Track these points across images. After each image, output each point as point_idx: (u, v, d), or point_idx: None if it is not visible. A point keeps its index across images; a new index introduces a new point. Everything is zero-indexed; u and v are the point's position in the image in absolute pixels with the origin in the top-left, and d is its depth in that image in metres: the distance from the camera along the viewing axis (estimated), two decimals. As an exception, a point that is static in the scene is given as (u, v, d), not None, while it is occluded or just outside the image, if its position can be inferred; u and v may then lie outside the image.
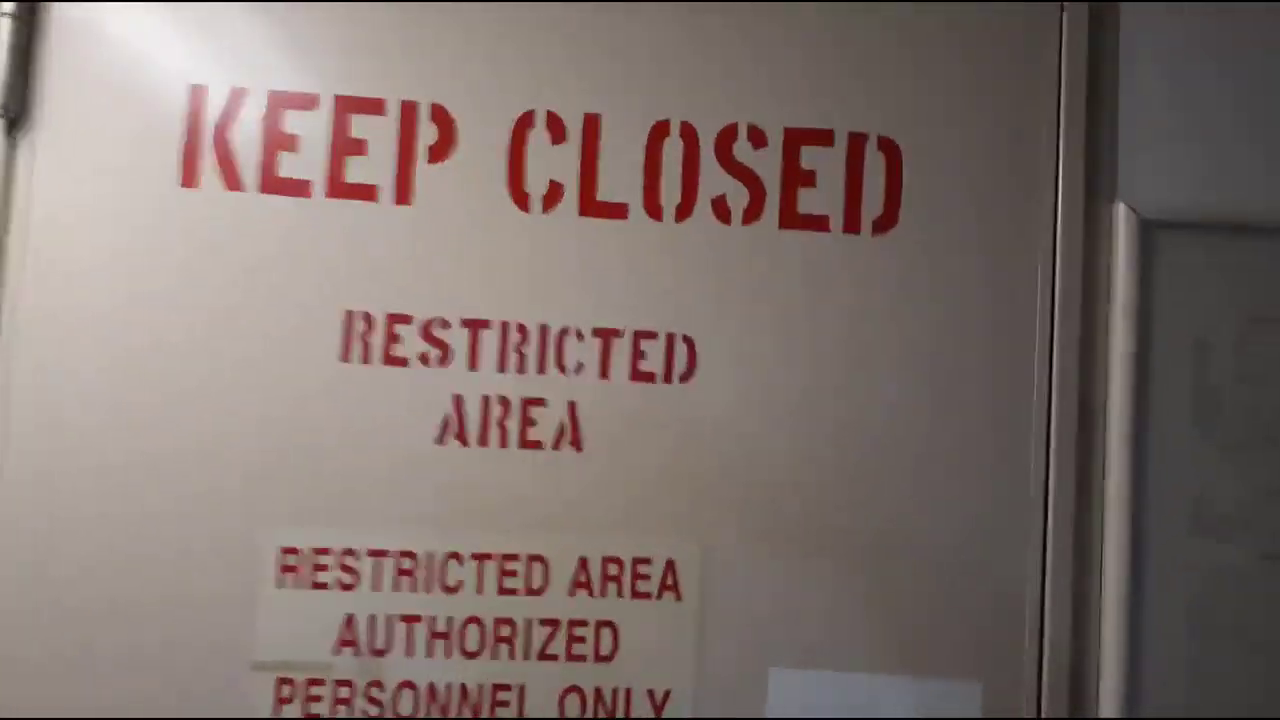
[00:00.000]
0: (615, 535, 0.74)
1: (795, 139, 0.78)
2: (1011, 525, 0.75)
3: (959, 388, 0.77)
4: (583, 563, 0.74)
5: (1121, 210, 0.78)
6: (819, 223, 0.77)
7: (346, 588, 0.73)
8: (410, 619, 0.73)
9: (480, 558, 0.74)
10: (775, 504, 0.74)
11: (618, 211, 0.77)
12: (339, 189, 0.76)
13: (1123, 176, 0.79)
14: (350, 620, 0.73)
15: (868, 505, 0.75)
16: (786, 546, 0.75)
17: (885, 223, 0.78)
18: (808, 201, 0.78)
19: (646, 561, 0.74)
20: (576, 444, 0.75)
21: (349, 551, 0.73)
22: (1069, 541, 0.75)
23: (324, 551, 0.73)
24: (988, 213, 0.78)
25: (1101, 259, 0.79)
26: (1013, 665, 0.74)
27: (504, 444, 0.75)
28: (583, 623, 0.73)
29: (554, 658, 0.73)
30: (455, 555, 0.74)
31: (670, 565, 0.74)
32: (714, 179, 0.78)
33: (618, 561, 0.74)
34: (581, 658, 0.73)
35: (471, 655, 0.73)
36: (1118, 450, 0.75)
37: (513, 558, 0.74)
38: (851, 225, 0.78)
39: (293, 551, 0.73)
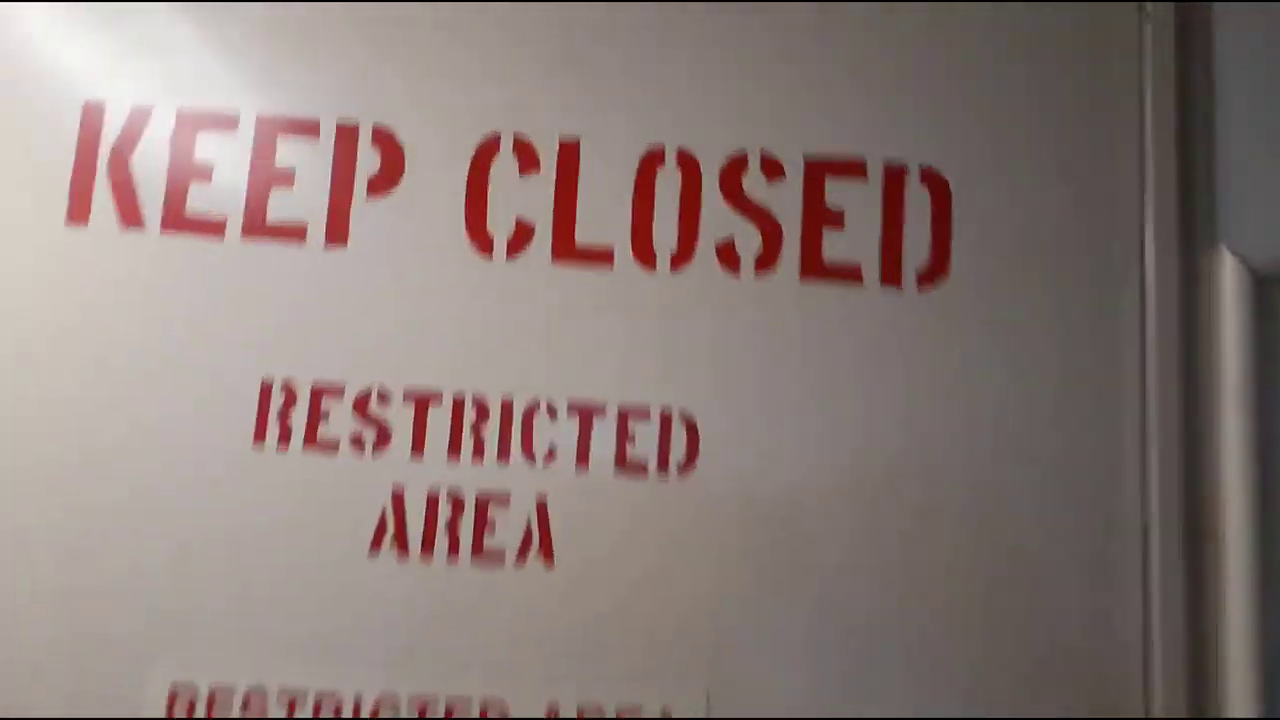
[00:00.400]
0: (595, 676, 0.58)
1: (818, 170, 0.64)
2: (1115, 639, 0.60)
3: (1034, 482, 0.61)
4: (553, 714, 0.58)
5: (1228, 260, 0.64)
6: (850, 273, 0.63)
7: (251, 739, 0.57)
8: (330, 783, 0.57)
9: (422, 704, 0.58)
10: (810, 633, 0.58)
11: (601, 258, 0.63)
12: (259, 228, 0.62)
13: (1226, 217, 0.64)
14: (253, 785, 0.57)
15: (933, 628, 0.59)
16: (830, 688, 0.59)
17: (932, 274, 0.63)
18: (835, 247, 0.63)
19: (635, 713, 0.58)
20: (547, 555, 0.59)
21: (257, 692, 0.57)
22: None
23: (225, 691, 0.57)
24: (1060, 263, 0.63)
25: (1204, 323, 0.64)
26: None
27: (454, 554, 0.59)
28: None
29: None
30: (390, 699, 0.57)
31: (666, 716, 0.58)
32: (719, 219, 0.63)
33: (598, 712, 0.58)
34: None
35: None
36: (1240, 572, 0.59)
37: (463, 703, 0.58)
38: (891, 276, 0.63)
39: (186, 691, 0.57)
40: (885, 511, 0.60)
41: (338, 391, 0.60)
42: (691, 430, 0.61)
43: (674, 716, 0.57)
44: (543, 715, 0.57)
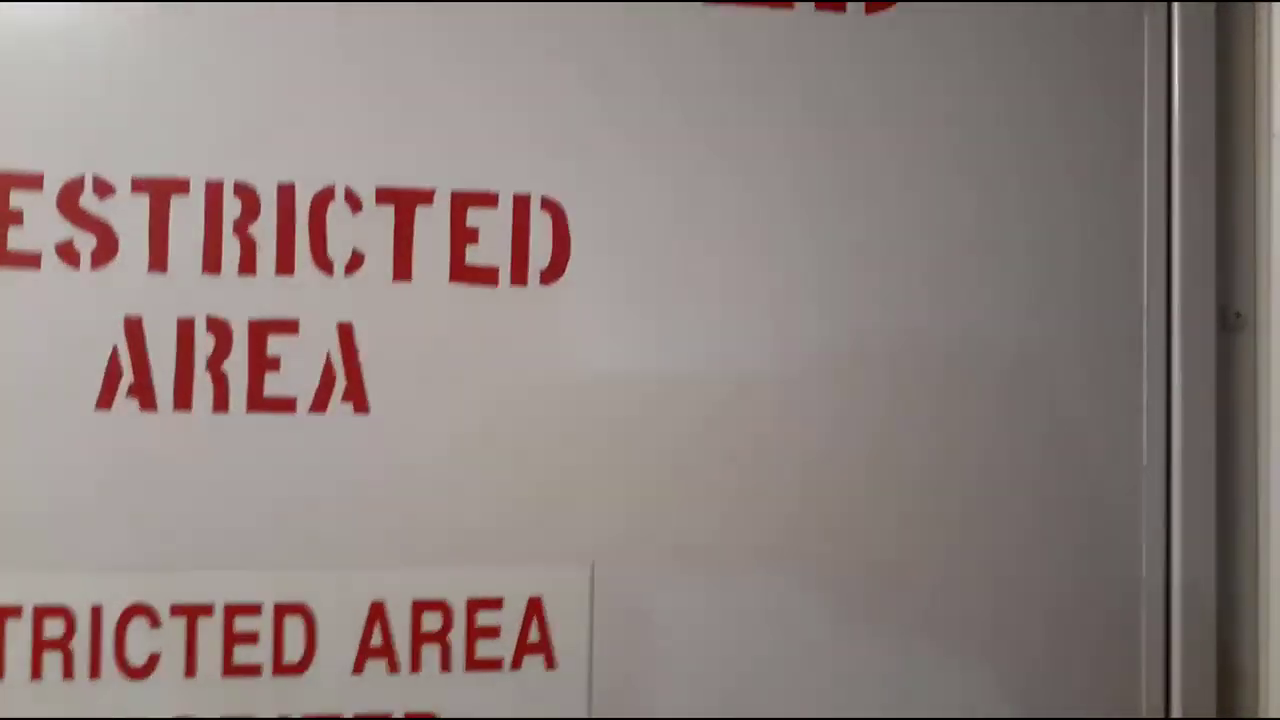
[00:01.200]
0: (434, 561, 0.43)
1: None
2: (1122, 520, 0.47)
3: (1028, 284, 0.47)
4: (377, 612, 0.43)
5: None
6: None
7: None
8: (68, 728, 0.42)
9: (190, 613, 0.42)
10: (725, 494, 0.44)
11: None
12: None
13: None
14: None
15: (881, 497, 0.45)
16: (741, 567, 0.44)
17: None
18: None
19: (492, 605, 0.44)
20: (357, 400, 0.43)
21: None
22: (1208, 530, 0.47)
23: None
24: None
25: (1245, 64, 0.48)
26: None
27: (222, 404, 0.42)
28: (383, 719, 0.44)
29: (329, 781, 0.43)
30: (143, 610, 0.42)
31: (534, 608, 0.44)
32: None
33: (440, 607, 0.43)
34: (379, 779, 0.44)
35: (181, 786, 0.43)
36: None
37: (249, 611, 0.42)
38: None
39: None
40: (834, 333, 0.45)
41: (34, 182, 0.42)
42: (559, 223, 0.45)
43: (545, 606, 0.43)
44: (362, 618, 0.42)
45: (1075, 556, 0.47)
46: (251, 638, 0.42)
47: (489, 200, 0.44)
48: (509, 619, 0.43)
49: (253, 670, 0.42)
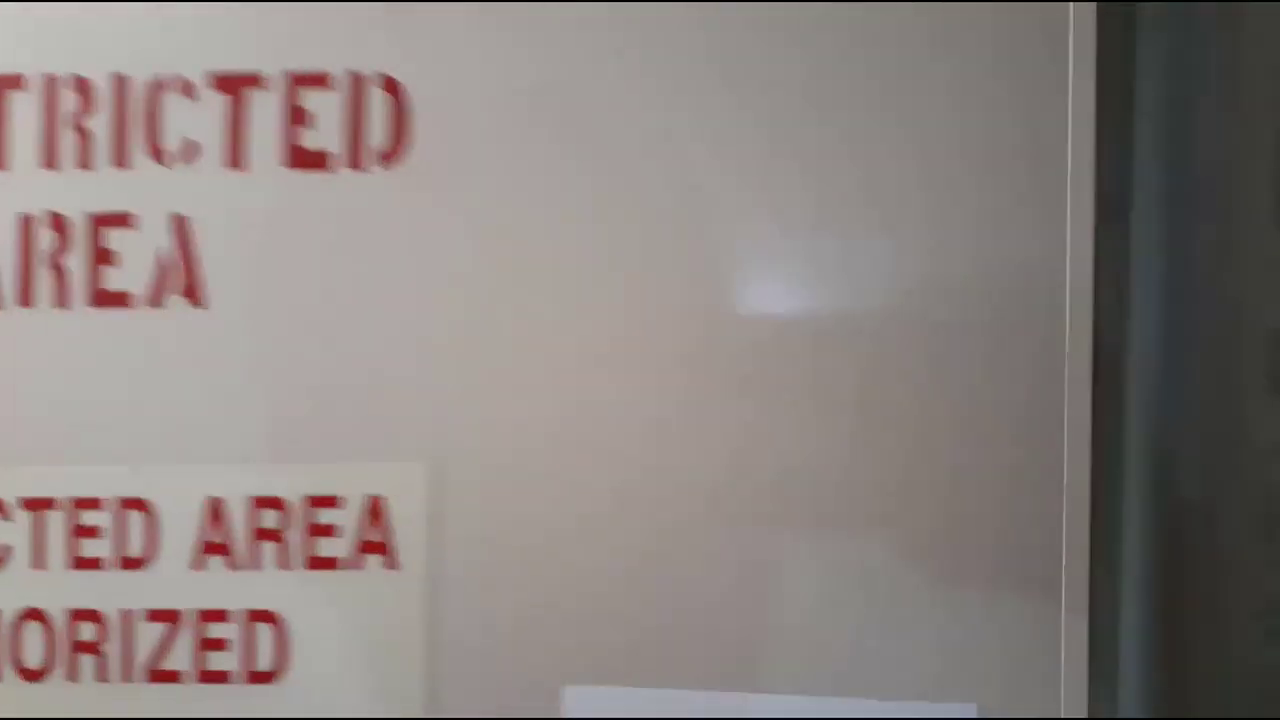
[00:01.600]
0: (271, 457, 0.42)
1: None
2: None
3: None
4: (214, 508, 0.43)
5: None
6: None
7: None
8: (-69, 618, 0.44)
9: (35, 505, 0.43)
10: (584, 396, 0.42)
11: None
12: None
13: None
14: None
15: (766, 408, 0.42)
16: (589, 468, 0.42)
17: None
18: None
19: (330, 502, 0.43)
20: (195, 293, 0.43)
21: None
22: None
23: None
24: None
25: None
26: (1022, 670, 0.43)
27: (62, 299, 0.42)
28: (218, 615, 0.43)
29: (171, 676, 0.43)
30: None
31: (375, 507, 0.43)
32: None
33: (277, 503, 0.43)
34: (220, 677, 0.43)
35: (33, 676, 0.43)
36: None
37: (90, 504, 0.43)
38: None
39: None
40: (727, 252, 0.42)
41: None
42: (397, 103, 0.43)
43: (386, 505, 0.42)
44: (199, 513, 0.42)
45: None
46: (94, 531, 0.43)
47: (322, 81, 0.43)
48: (349, 518, 0.42)
49: (95, 564, 0.43)
